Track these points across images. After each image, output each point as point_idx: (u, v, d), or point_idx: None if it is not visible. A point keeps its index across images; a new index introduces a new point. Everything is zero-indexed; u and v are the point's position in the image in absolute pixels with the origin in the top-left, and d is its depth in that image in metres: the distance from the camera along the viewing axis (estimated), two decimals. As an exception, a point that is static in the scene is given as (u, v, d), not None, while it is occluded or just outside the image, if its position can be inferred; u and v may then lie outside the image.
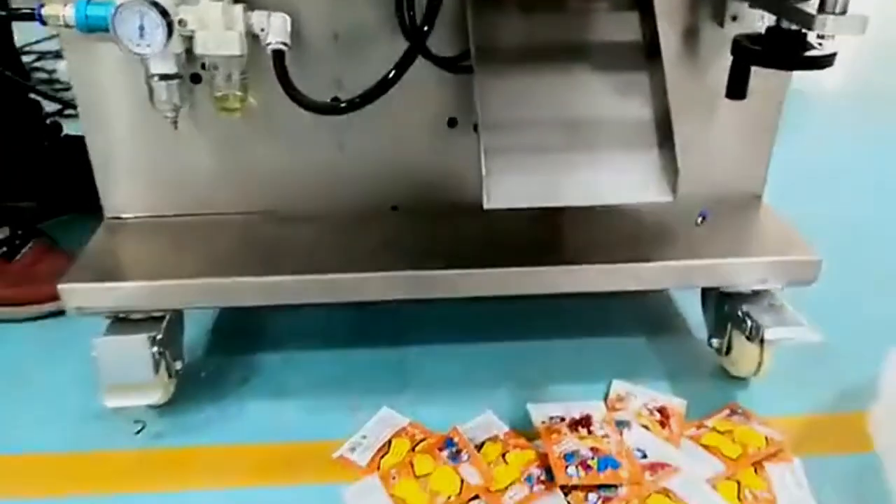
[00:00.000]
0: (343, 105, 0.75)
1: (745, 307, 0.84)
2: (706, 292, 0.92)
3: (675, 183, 0.73)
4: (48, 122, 1.29)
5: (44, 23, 0.76)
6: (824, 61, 0.71)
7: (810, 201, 1.14)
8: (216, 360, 0.94)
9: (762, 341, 0.82)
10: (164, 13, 0.72)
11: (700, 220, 0.88)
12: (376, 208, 0.90)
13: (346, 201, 0.89)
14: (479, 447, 0.78)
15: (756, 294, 0.86)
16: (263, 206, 0.89)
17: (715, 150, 0.91)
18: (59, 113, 1.48)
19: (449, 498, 0.73)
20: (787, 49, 0.72)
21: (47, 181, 1.23)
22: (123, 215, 0.89)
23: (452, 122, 0.87)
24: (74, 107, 0.85)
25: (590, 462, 0.74)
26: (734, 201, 0.93)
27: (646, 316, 1.02)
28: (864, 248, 1.20)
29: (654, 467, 0.76)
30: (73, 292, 0.78)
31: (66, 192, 1.25)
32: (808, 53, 0.71)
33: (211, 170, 0.87)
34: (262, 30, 0.75)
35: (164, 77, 0.76)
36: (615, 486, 0.73)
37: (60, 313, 1.00)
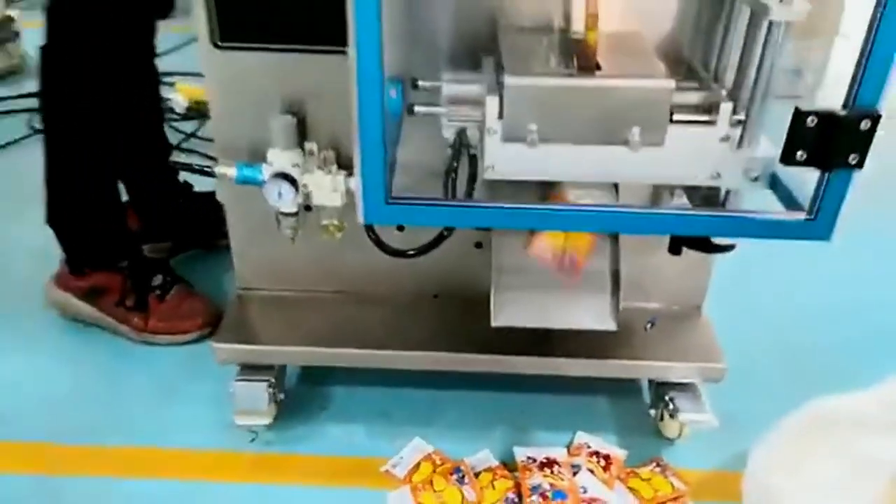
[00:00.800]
0: (411, 252, 1.13)
1: (671, 393, 1.21)
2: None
3: (616, 317, 1.09)
4: (182, 182, 1.70)
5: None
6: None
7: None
8: (304, 392, 1.35)
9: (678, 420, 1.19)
10: (293, 183, 1.10)
11: (649, 325, 1.24)
12: (423, 296, 1.28)
13: (403, 289, 1.28)
14: (477, 474, 1.18)
15: (682, 385, 1.22)
16: (348, 288, 1.28)
17: (666, 272, 1.26)
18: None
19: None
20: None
21: (181, 227, 1.66)
22: (250, 287, 1.29)
23: (479, 245, 1.24)
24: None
25: (547, 493, 1.12)
26: (681, 311, 1.29)
27: (610, 385, 1.38)
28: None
29: (591, 501, 1.14)
30: (221, 349, 1.19)
31: (194, 235, 1.67)
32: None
33: (313, 262, 1.27)
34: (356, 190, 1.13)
35: (287, 215, 1.15)
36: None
37: (199, 341, 1.43)
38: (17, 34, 2.64)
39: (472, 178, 1.01)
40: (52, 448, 1.25)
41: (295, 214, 1.15)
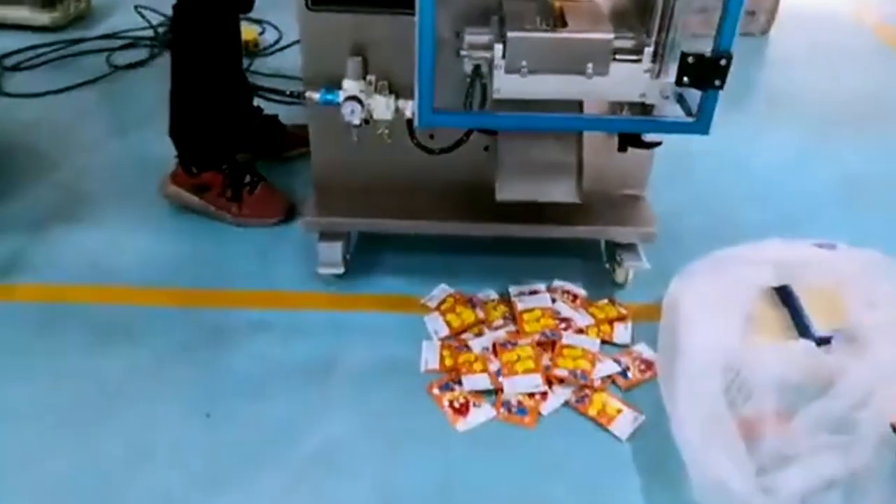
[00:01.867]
0: (440, 150, 1.64)
1: (619, 251, 1.75)
2: (606, 242, 1.83)
3: (580, 194, 1.62)
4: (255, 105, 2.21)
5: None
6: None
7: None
8: (364, 253, 1.88)
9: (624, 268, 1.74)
10: (360, 103, 1.60)
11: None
12: (449, 184, 1.80)
13: (435, 179, 1.79)
14: (484, 304, 1.73)
15: (627, 245, 1.76)
16: (394, 179, 1.80)
17: (619, 164, 1.77)
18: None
19: (468, 322, 1.68)
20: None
21: (257, 141, 2.17)
22: (324, 180, 1.81)
23: (486, 148, 1.75)
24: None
25: (534, 309, 1.68)
26: (629, 193, 1.81)
27: (579, 247, 1.92)
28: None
29: (563, 320, 1.69)
30: (308, 221, 1.72)
31: (267, 147, 2.19)
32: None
33: (370, 161, 1.77)
34: (403, 109, 1.64)
35: (355, 126, 1.66)
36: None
37: (278, 224, 1.97)
38: (87, -18, 3.08)
39: (483, 99, 1.52)
40: (183, 291, 1.79)
41: (360, 126, 1.66)
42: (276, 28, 3.03)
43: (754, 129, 2.52)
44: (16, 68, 2.68)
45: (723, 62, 1.29)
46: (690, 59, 1.29)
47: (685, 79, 1.32)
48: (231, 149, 2.01)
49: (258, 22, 3.06)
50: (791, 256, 1.73)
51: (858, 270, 1.65)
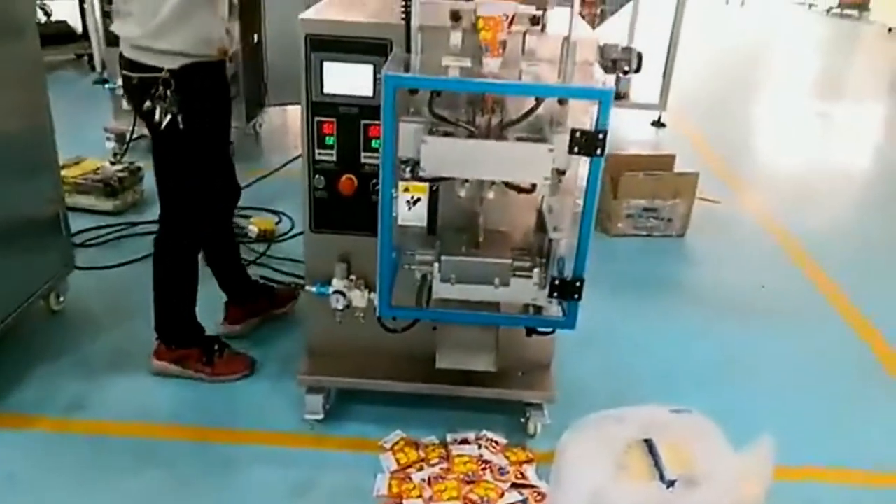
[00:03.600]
0: (398, 330, 2.29)
1: (530, 409, 2.34)
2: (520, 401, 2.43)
3: (496, 364, 2.24)
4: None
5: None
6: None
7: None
8: (339, 403, 2.48)
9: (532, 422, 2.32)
10: (344, 295, 2.27)
11: (520, 373, 2.38)
12: (406, 353, 2.43)
13: (396, 349, 2.42)
14: (426, 446, 2.29)
15: (536, 404, 2.35)
16: (365, 348, 2.43)
17: (528, 343, 2.40)
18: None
19: (412, 460, 2.23)
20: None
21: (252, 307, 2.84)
22: (315, 347, 2.44)
23: (434, 328, 2.39)
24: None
25: (462, 453, 2.24)
26: (538, 363, 2.43)
27: (501, 405, 2.50)
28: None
29: (485, 462, 2.25)
30: (304, 379, 2.34)
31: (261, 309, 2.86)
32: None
33: (348, 335, 2.41)
34: (373, 300, 2.30)
35: (339, 310, 2.32)
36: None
37: (246, 377, 2.58)
38: (142, 178, 3.89)
39: (428, 297, 2.18)
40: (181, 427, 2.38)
41: (342, 310, 2.32)
42: (290, 218, 3.79)
43: (658, 316, 3.18)
44: (84, 245, 3.41)
45: (601, 135, 1.83)
46: (579, 134, 1.83)
47: (575, 149, 1.84)
48: (200, 328, 2.63)
49: (276, 213, 3.83)
50: (657, 417, 2.31)
51: (700, 431, 2.23)
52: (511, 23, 1.89)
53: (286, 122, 5.35)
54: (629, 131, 5.83)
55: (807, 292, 3.51)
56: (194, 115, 2.19)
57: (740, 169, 5.21)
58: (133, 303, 3.02)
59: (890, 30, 11.15)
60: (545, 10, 2.06)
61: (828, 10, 12.69)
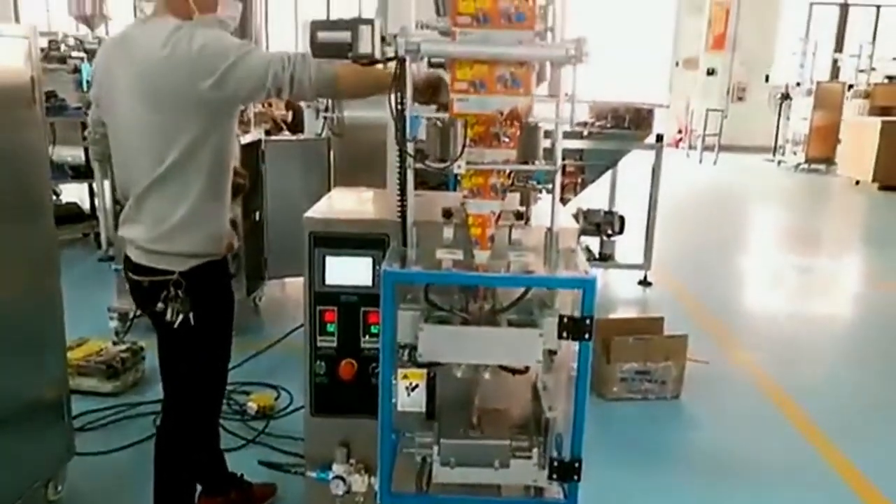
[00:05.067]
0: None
1: None
2: None
3: None
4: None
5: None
6: None
7: None
8: None
9: None
10: (344, 481, 2.29)
11: None
12: None
13: None
14: None
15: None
16: None
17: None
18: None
19: None
20: None
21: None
22: None
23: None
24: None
25: None
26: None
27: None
28: None
29: None
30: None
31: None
32: None
33: None
34: (373, 485, 2.31)
35: (339, 496, 2.32)
36: None
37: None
38: (143, 358, 3.97)
39: (428, 481, 2.19)
40: None
41: (343, 495, 2.32)
42: (289, 393, 3.83)
43: (657, 490, 3.15)
44: (82, 429, 3.42)
45: (587, 321, 1.90)
46: (566, 320, 1.92)
47: (564, 333, 1.91)
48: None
49: (274, 387, 3.88)
50: None
51: None
52: (498, 219, 2.07)
53: (285, 292, 5.51)
54: (618, 291, 6.02)
55: (803, 452, 3.51)
56: (205, 312, 2.29)
57: (728, 325, 5.34)
58: (134, 492, 2.99)
59: (857, 182, 11.76)
60: (529, 205, 2.26)
61: (796, 166, 13.43)
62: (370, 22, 1.65)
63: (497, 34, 1.82)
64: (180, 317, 2.21)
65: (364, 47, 1.67)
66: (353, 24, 1.64)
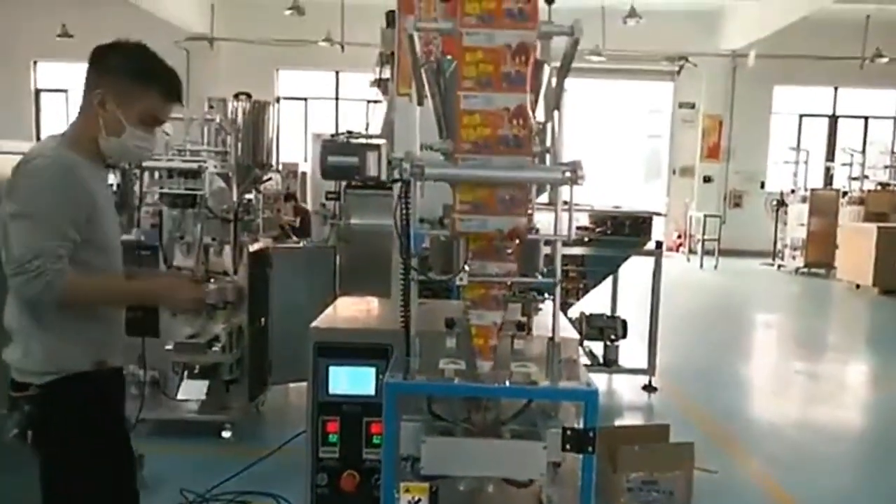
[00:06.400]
0: None
1: None
2: None
3: None
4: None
5: None
6: None
7: None
8: None
9: None
10: None
11: None
12: None
13: None
14: None
15: None
16: None
17: None
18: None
19: None
20: None
21: None
22: None
23: None
24: None
25: None
26: None
27: None
28: None
29: None
30: None
31: None
32: None
33: None
34: None
35: None
36: None
37: None
38: (142, 466, 3.89)
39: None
40: None
41: None
42: (288, 503, 3.73)
43: None
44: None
45: (590, 433, 1.89)
46: (570, 433, 1.93)
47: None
48: None
49: (274, 496, 3.78)
50: None
51: None
52: (500, 329, 2.11)
53: (288, 398, 5.46)
54: (623, 396, 5.96)
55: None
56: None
57: (735, 432, 5.25)
58: None
59: (858, 286, 11.82)
60: (530, 315, 2.31)
61: (796, 270, 13.54)
62: (377, 148, 1.75)
63: (496, 160, 1.93)
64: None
65: (371, 170, 1.77)
66: (360, 150, 1.75)
